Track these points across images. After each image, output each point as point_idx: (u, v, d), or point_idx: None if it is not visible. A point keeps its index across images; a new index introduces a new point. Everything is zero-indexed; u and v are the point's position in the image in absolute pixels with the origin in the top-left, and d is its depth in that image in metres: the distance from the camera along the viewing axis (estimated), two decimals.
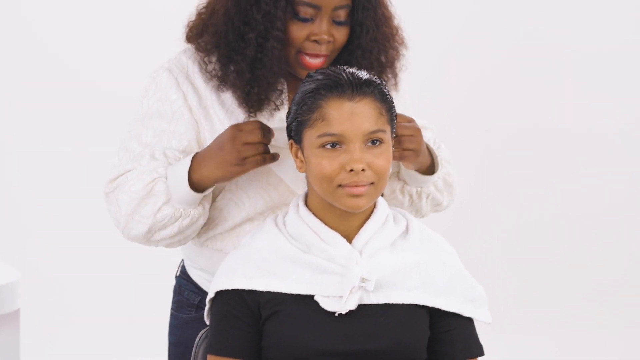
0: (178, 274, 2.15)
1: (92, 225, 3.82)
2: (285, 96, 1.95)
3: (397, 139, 1.84)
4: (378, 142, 1.71)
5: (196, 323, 2.05)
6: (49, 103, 3.90)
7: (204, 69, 1.94)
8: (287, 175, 1.95)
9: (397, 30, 2.01)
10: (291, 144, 1.78)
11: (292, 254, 1.75)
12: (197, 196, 1.90)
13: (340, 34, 1.90)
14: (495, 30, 4.05)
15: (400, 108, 1.89)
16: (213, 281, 1.79)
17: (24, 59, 3.89)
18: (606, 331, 4.04)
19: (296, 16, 1.88)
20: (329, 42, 1.89)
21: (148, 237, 1.93)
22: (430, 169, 2.02)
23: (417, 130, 1.91)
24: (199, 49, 1.95)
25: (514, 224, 4.14)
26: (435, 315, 1.77)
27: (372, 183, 1.71)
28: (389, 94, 1.75)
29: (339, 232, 1.75)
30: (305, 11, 1.87)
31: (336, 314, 1.70)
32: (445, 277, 1.77)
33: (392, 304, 1.73)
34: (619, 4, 4.08)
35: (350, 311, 1.70)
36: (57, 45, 3.89)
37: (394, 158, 1.81)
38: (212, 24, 1.93)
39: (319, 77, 1.74)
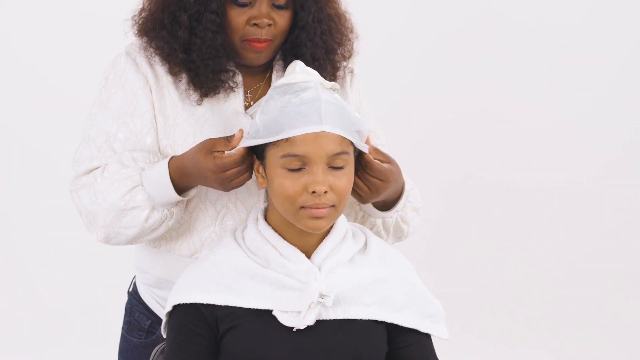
0: (130, 290, 2.13)
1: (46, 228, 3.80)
2: (240, 78, 1.96)
3: (363, 175, 1.83)
4: (341, 164, 1.71)
5: (146, 349, 2.04)
6: (12, 100, 3.87)
7: (158, 52, 1.95)
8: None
9: (344, 14, 2.02)
10: (254, 159, 1.78)
11: (251, 268, 1.74)
12: (183, 199, 1.90)
13: (282, 18, 1.91)
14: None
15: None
16: (171, 294, 1.78)
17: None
18: (602, 344, 4.04)
19: (234, 1, 1.89)
20: (269, 25, 1.89)
21: (133, 242, 1.93)
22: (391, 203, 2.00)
23: (391, 174, 1.87)
24: (144, 34, 1.96)
25: (508, 231, 4.13)
26: (393, 331, 1.77)
27: (333, 205, 1.71)
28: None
29: (298, 248, 1.75)
30: None
31: (294, 330, 1.70)
32: (403, 293, 1.78)
33: (351, 320, 1.73)
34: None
35: (308, 327, 1.70)
36: (33, 54, 3.86)
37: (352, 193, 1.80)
38: (151, 11, 1.94)
39: None
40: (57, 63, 3.84)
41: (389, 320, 1.75)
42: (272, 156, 1.72)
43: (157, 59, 1.94)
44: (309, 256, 1.76)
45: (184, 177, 1.85)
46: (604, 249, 4.15)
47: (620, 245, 4.16)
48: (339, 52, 2.00)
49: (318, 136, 1.69)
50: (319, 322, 1.71)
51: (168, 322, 1.79)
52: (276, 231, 1.77)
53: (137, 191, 1.87)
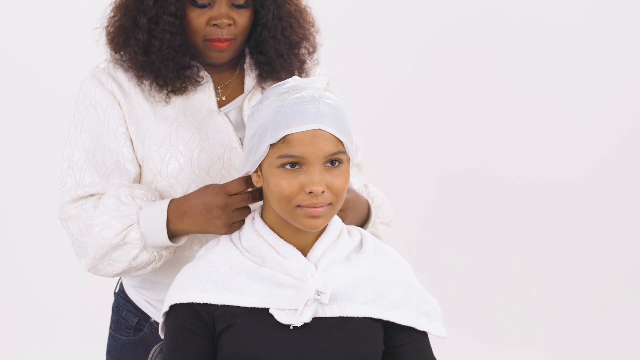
0: (117, 291, 2.15)
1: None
2: (205, 73, 1.99)
3: None
4: (337, 163, 1.72)
5: (135, 347, 2.05)
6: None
7: (119, 62, 1.99)
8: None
9: (304, 9, 2.05)
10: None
11: (247, 267, 1.74)
12: (173, 245, 1.92)
13: (241, 17, 1.94)
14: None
15: None
16: (167, 294, 1.79)
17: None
18: (599, 343, 4.04)
19: (194, 3, 1.92)
20: (229, 25, 1.92)
21: (118, 276, 1.95)
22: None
23: (349, 202, 1.96)
24: (111, 45, 1.99)
25: (505, 229, 4.13)
26: (389, 329, 1.78)
27: (330, 203, 1.72)
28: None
29: (294, 246, 1.76)
30: None
31: (291, 327, 1.70)
32: (400, 291, 1.78)
33: (347, 317, 1.73)
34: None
35: (305, 324, 1.70)
36: (32, 54, 3.85)
37: None
38: (116, 19, 1.98)
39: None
40: (57, 63, 3.85)
41: (385, 318, 1.75)
42: (269, 156, 1.72)
43: (121, 69, 1.98)
44: (305, 254, 1.76)
45: (183, 217, 1.88)
46: (602, 247, 4.15)
47: (619, 243, 4.15)
48: (302, 45, 2.04)
49: (315, 137, 1.69)
50: (315, 320, 1.71)
51: (165, 321, 1.79)
52: (272, 229, 1.77)
53: (131, 229, 1.89)
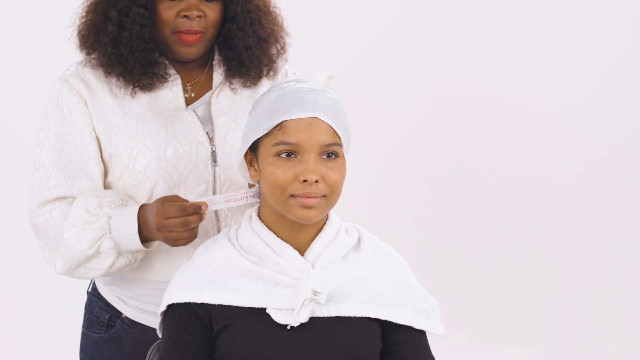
0: (89, 290, 2.16)
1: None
2: (172, 70, 2.00)
3: None
4: (333, 156, 1.72)
5: (107, 343, 2.07)
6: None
7: (88, 61, 2.01)
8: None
9: (273, 9, 2.08)
10: (246, 152, 1.78)
11: (244, 266, 1.74)
12: (146, 250, 1.95)
13: (211, 10, 1.96)
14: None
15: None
16: (165, 294, 1.79)
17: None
18: (597, 342, 4.04)
19: None
20: (199, 17, 1.94)
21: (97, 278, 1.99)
22: None
23: None
24: (84, 47, 2.01)
25: (503, 227, 4.13)
26: (387, 328, 1.77)
27: (324, 196, 1.71)
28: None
29: (292, 245, 1.75)
30: None
31: (288, 327, 1.70)
32: (397, 290, 1.78)
33: (344, 317, 1.73)
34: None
35: (302, 324, 1.70)
36: (31, 53, 3.85)
37: None
38: (85, 16, 2.00)
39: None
40: (57, 63, 3.80)
41: (382, 317, 1.75)
42: (265, 145, 1.73)
43: (89, 66, 2.00)
44: (302, 253, 1.76)
45: (147, 225, 1.90)
46: (600, 246, 4.15)
47: (618, 242, 4.15)
48: (271, 42, 2.05)
49: (311, 125, 1.69)
50: (312, 320, 1.71)
51: (163, 321, 1.79)
52: (269, 228, 1.77)
53: (104, 238, 1.92)
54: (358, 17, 4.01)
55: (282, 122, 1.70)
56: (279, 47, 2.08)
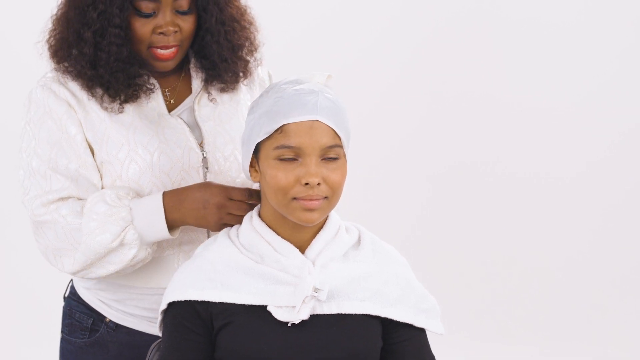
0: (67, 295, 2.13)
1: None
2: (154, 81, 1.98)
3: None
4: (334, 158, 1.72)
5: (92, 348, 2.04)
6: None
7: (67, 71, 1.97)
8: None
9: (245, 10, 2.06)
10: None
11: (245, 264, 1.74)
12: (171, 237, 1.93)
13: (186, 23, 1.94)
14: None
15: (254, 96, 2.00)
16: (165, 292, 1.79)
17: None
18: (596, 342, 4.03)
19: (138, 12, 1.91)
20: (175, 32, 1.92)
21: (103, 278, 1.95)
22: None
23: None
24: (54, 58, 1.98)
25: (502, 226, 4.12)
26: (388, 326, 1.77)
27: (326, 197, 1.72)
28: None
29: (292, 243, 1.76)
30: (146, 6, 1.91)
31: (289, 324, 1.70)
32: (398, 288, 1.78)
33: (345, 315, 1.73)
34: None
35: (303, 321, 1.70)
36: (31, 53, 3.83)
37: None
38: (58, 30, 1.97)
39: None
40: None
41: (383, 314, 1.75)
42: (265, 148, 1.73)
43: (69, 77, 1.96)
44: (302, 251, 1.76)
45: (180, 205, 1.89)
46: (601, 246, 4.14)
47: (618, 241, 4.14)
48: (245, 46, 2.04)
49: (312, 128, 1.69)
50: (313, 318, 1.71)
51: (163, 319, 1.79)
52: (270, 227, 1.77)
53: (128, 230, 1.89)
54: (358, 17, 4.00)
55: (283, 125, 1.70)
56: (252, 48, 2.06)
